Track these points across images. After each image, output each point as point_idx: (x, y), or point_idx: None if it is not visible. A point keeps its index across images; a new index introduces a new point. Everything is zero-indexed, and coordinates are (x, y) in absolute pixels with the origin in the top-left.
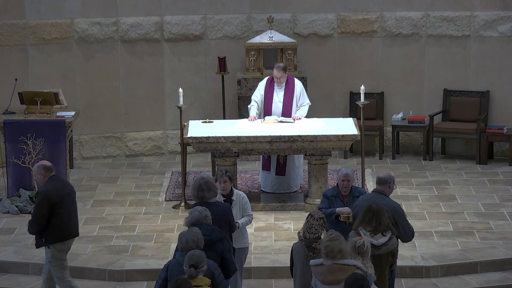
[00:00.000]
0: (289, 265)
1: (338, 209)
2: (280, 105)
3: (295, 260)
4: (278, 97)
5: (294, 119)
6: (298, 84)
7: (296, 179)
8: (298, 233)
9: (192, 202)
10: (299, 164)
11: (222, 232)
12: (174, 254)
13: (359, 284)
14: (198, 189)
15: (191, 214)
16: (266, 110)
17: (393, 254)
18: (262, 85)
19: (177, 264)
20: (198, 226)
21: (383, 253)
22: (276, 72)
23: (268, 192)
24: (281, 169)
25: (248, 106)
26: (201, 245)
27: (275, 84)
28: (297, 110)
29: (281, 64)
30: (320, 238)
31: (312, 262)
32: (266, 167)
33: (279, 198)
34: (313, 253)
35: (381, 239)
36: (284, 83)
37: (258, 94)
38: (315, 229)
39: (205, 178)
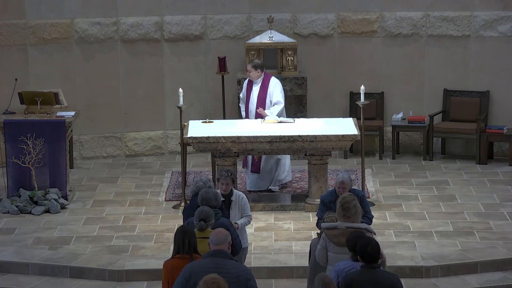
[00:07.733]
0: (289, 265)
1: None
2: (255, 103)
3: (312, 251)
4: (254, 95)
5: (258, 110)
6: (272, 82)
7: (270, 178)
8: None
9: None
10: (275, 164)
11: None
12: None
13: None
14: None
15: (196, 183)
16: (245, 108)
17: None
18: (244, 84)
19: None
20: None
21: None
22: (247, 67)
23: (250, 191)
24: (256, 167)
25: (240, 104)
26: (220, 200)
27: (253, 83)
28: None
29: (256, 61)
30: None
31: (324, 225)
32: (245, 164)
33: (278, 198)
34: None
35: None
36: (259, 80)
37: (242, 93)
38: None
39: None
